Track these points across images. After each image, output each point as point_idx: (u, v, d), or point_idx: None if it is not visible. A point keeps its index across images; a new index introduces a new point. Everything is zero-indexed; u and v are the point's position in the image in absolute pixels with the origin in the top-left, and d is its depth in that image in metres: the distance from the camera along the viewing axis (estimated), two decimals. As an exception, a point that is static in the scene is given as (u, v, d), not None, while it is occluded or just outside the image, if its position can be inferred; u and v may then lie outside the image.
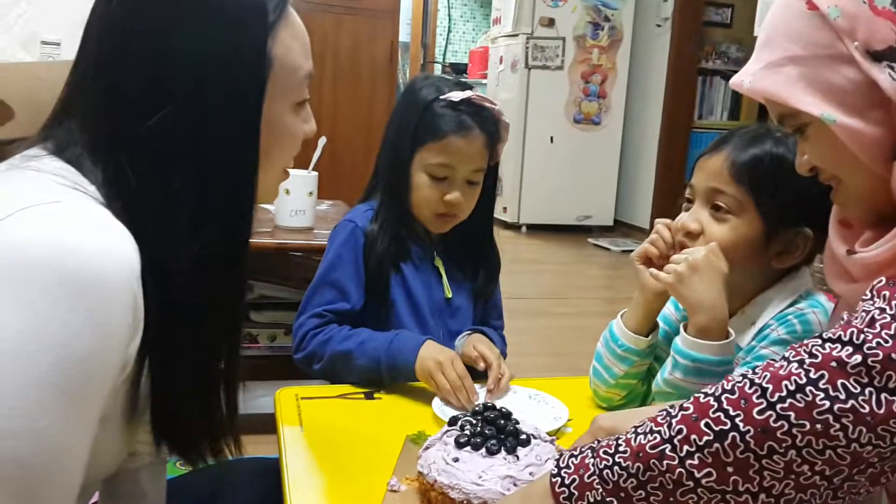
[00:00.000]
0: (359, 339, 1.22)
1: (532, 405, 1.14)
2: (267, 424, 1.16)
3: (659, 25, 5.38)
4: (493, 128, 1.30)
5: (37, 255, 0.58)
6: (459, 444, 0.84)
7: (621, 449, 0.68)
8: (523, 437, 0.86)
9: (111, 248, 0.62)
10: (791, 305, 1.05)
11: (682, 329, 1.02)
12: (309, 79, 0.80)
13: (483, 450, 0.83)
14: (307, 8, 3.95)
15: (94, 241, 0.61)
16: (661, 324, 1.14)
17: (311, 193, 2.01)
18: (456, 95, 1.27)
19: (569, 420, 1.10)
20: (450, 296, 1.35)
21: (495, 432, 0.86)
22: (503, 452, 0.83)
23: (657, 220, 1.11)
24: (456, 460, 0.83)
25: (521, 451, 0.84)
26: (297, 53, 0.77)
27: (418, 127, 1.28)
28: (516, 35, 5.45)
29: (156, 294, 0.66)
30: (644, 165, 5.55)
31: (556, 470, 0.71)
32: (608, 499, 0.67)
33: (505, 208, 5.63)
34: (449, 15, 8.20)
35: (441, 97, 1.27)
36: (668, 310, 1.18)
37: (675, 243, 1.07)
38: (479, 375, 1.20)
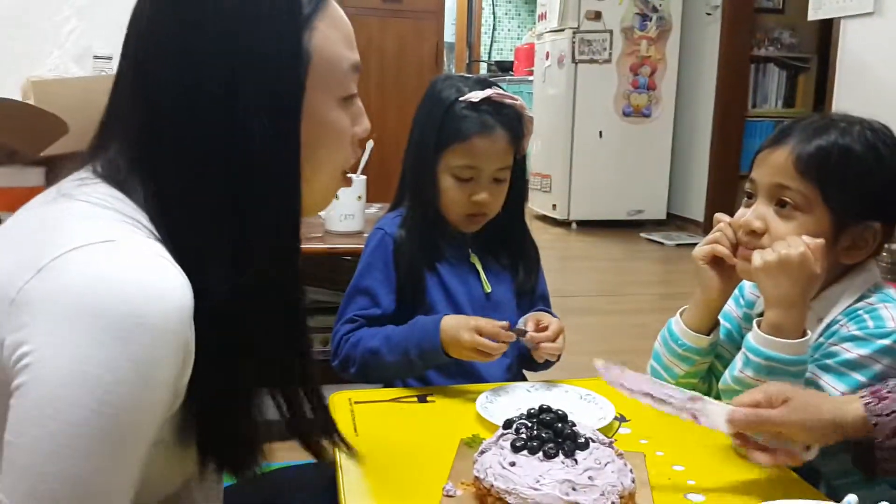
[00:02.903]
0: (384, 335, 1.24)
1: (581, 405, 1.12)
2: (322, 429, 1.16)
3: (709, 14, 5.27)
4: (515, 124, 1.30)
5: (84, 299, 0.58)
6: (516, 448, 0.82)
7: None
8: (581, 440, 0.83)
9: (159, 291, 0.60)
10: (859, 300, 1.00)
11: (755, 325, 0.98)
12: (356, 71, 0.76)
13: (540, 453, 0.81)
14: (352, 12, 3.96)
15: (142, 284, 0.60)
16: (722, 321, 1.11)
17: (359, 197, 2.02)
18: (476, 95, 1.26)
19: (621, 420, 1.08)
20: (489, 290, 1.35)
21: (552, 435, 0.84)
22: (561, 456, 0.81)
23: (718, 216, 1.07)
24: (512, 464, 0.81)
25: (579, 454, 0.82)
26: (339, 44, 0.74)
27: (441, 130, 1.28)
28: (562, 30, 5.40)
29: (207, 324, 0.64)
30: (697, 157, 5.43)
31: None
32: None
33: (554, 205, 5.58)
34: (493, 13, 8.18)
35: (461, 98, 1.27)
36: (730, 306, 1.14)
37: (739, 242, 1.03)
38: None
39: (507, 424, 0.88)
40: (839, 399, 0.90)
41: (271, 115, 0.69)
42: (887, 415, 0.84)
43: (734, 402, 0.89)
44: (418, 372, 1.25)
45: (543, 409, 0.89)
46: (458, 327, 1.18)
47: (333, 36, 0.73)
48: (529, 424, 0.86)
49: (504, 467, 0.81)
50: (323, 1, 0.73)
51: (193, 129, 0.68)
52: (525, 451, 0.82)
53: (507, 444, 0.84)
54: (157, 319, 0.59)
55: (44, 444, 0.57)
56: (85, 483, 0.58)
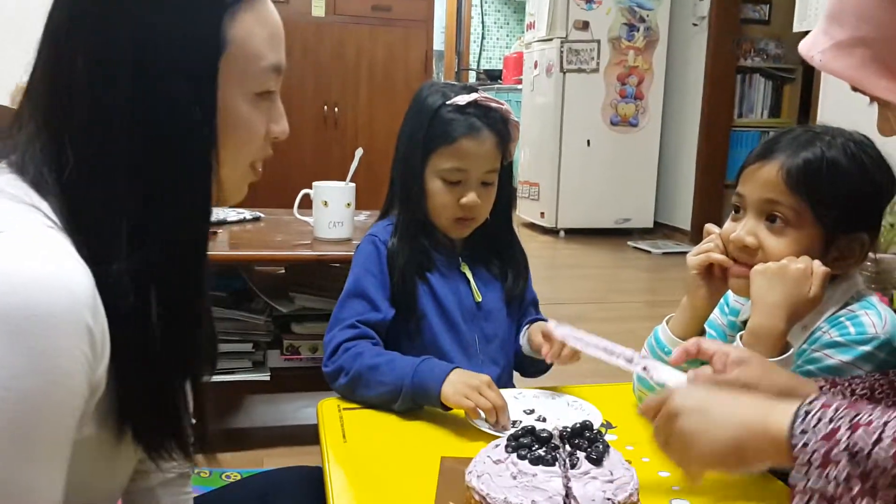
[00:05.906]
0: (388, 357, 1.19)
1: (568, 412, 1.13)
2: (310, 435, 1.17)
3: (695, 24, 5.32)
4: (502, 127, 1.31)
5: None
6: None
7: (886, 442, 0.60)
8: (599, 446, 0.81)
9: (53, 279, 0.58)
10: (842, 308, 1.02)
11: (738, 339, 0.99)
12: (277, 72, 0.75)
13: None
14: (342, 20, 3.99)
15: (33, 273, 0.58)
16: (707, 329, 1.12)
17: (348, 205, 2.02)
18: (462, 99, 1.28)
19: (607, 427, 1.09)
20: (479, 299, 1.35)
21: (584, 444, 0.81)
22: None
23: (708, 227, 1.08)
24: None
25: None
26: (262, 41, 0.73)
27: (428, 134, 1.28)
28: (550, 39, 5.43)
29: (114, 314, 0.63)
30: (683, 166, 5.48)
31: (802, 429, 0.66)
32: (851, 483, 0.61)
33: (542, 213, 5.60)
34: (482, 22, 8.21)
35: (448, 102, 1.28)
36: (714, 314, 1.15)
37: (730, 256, 1.04)
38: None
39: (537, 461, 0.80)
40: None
41: (184, 99, 0.67)
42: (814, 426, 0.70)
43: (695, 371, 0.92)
44: (399, 407, 1.14)
45: (527, 431, 0.84)
46: (471, 375, 1.12)
47: (257, 31, 0.72)
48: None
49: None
50: None
51: (99, 107, 0.66)
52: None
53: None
54: (50, 308, 0.57)
55: None
56: (3, 482, 0.57)
